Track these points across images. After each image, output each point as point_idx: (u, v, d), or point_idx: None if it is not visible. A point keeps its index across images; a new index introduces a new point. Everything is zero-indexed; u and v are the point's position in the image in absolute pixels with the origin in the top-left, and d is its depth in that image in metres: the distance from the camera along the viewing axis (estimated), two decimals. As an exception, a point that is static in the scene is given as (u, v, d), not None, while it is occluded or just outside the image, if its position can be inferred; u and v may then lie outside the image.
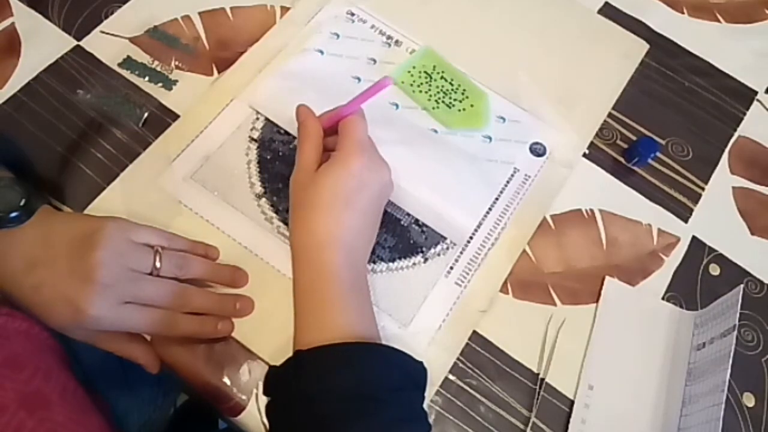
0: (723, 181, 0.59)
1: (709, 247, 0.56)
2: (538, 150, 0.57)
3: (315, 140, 0.48)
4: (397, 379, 0.41)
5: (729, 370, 0.44)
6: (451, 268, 0.52)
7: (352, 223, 0.46)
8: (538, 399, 0.48)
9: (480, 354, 0.49)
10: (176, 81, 0.57)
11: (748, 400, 0.50)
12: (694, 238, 0.56)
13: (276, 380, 0.42)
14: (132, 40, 0.59)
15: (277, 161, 0.54)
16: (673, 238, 0.56)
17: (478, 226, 0.53)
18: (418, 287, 0.51)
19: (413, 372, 0.43)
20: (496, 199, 0.54)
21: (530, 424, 0.47)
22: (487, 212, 0.54)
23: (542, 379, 0.49)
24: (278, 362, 0.47)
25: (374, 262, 0.51)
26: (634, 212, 0.56)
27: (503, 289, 0.52)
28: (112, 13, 0.60)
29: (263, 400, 0.43)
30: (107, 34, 0.59)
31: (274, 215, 0.52)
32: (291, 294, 0.49)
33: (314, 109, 0.49)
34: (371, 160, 0.47)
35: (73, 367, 0.44)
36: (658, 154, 0.59)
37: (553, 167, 0.57)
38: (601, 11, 0.66)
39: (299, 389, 0.40)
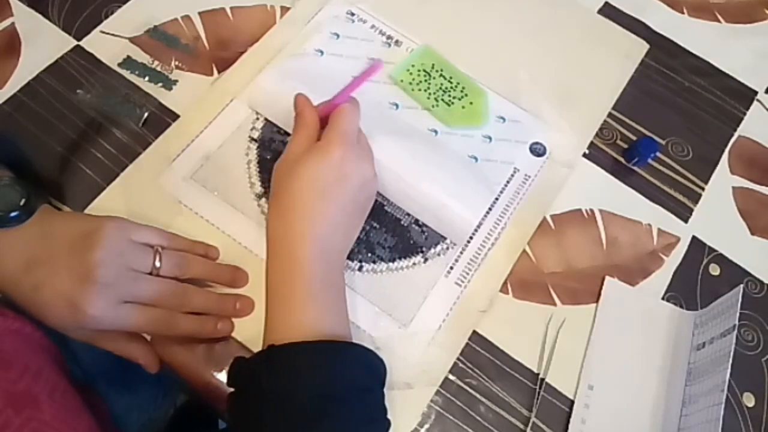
0: (723, 181, 0.59)
1: (709, 247, 0.56)
2: (538, 150, 0.57)
3: (309, 130, 0.47)
4: (364, 378, 0.41)
5: (729, 370, 0.44)
6: (451, 268, 0.52)
7: (329, 216, 0.45)
8: (538, 399, 0.48)
9: (480, 354, 0.49)
10: (176, 81, 0.57)
11: (748, 400, 0.50)
12: (694, 238, 0.56)
13: (243, 373, 0.42)
14: (132, 40, 0.59)
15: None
16: (673, 238, 0.56)
17: (478, 226, 0.53)
18: (418, 287, 0.51)
19: (377, 369, 0.43)
20: (496, 199, 0.54)
21: (530, 424, 0.47)
22: (487, 212, 0.54)
23: (542, 379, 0.49)
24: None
25: (374, 262, 0.51)
26: (634, 212, 0.56)
27: (503, 289, 0.52)
28: (112, 13, 0.60)
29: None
30: (107, 34, 0.59)
31: (274, 215, 0.52)
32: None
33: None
34: (353, 152, 0.46)
35: (69, 367, 0.44)
36: (658, 154, 0.59)
37: (553, 167, 0.57)
38: (601, 11, 0.66)
39: (268, 385, 0.39)
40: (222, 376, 0.47)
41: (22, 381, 0.38)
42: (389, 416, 0.42)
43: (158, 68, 0.58)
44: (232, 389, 0.42)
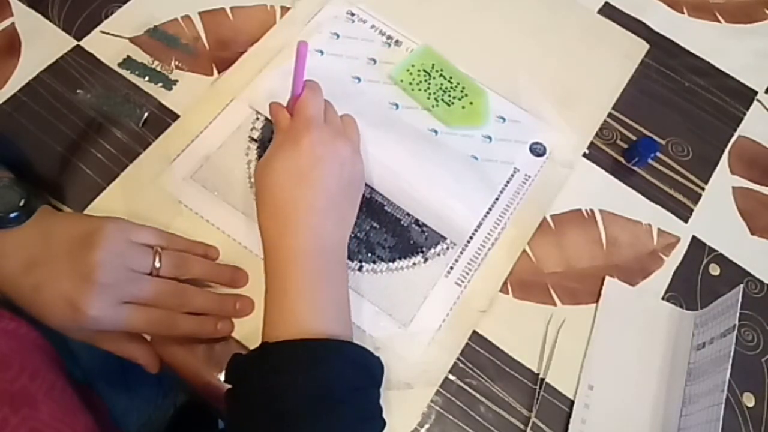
0: (723, 181, 0.59)
1: (709, 247, 0.56)
2: (538, 150, 0.57)
3: (285, 131, 0.48)
4: (358, 378, 0.41)
5: (729, 370, 0.44)
6: (451, 268, 0.52)
7: (313, 203, 0.44)
8: (538, 399, 0.48)
9: (480, 354, 0.49)
10: (176, 81, 0.57)
11: (748, 400, 0.50)
12: (694, 238, 0.56)
13: (238, 371, 0.42)
14: (132, 40, 0.59)
15: (277, 161, 0.54)
16: (673, 238, 0.56)
17: (478, 226, 0.53)
18: (418, 287, 0.51)
19: (372, 369, 0.43)
20: (496, 199, 0.54)
21: (530, 424, 0.47)
22: (487, 212, 0.54)
23: (542, 379, 0.49)
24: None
25: (374, 262, 0.51)
26: (634, 212, 0.56)
27: (503, 289, 0.52)
28: (112, 13, 0.60)
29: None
30: (107, 34, 0.59)
31: (274, 215, 0.52)
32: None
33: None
34: (322, 134, 0.46)
35: (69, 368, 0.44)
36: (658, 154, 0.59)
37: (553, 167, 0.57)
38: (601, 11, 0.66)
39: (262, 383, 0.39)
40: (222, 377, 0.47)
41: (19, 380, 0.38)
42: (387, 416, 0.42)
43: (158, 68, 0.57)
44: (229, 386, 0.42)
